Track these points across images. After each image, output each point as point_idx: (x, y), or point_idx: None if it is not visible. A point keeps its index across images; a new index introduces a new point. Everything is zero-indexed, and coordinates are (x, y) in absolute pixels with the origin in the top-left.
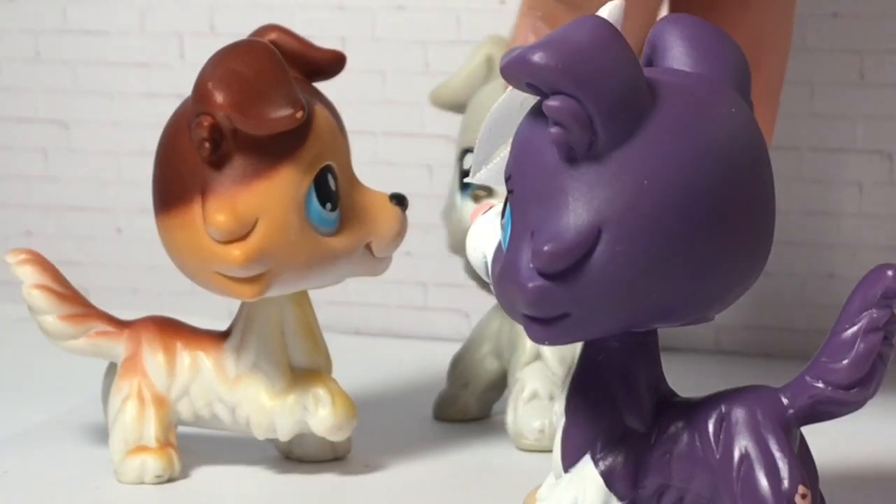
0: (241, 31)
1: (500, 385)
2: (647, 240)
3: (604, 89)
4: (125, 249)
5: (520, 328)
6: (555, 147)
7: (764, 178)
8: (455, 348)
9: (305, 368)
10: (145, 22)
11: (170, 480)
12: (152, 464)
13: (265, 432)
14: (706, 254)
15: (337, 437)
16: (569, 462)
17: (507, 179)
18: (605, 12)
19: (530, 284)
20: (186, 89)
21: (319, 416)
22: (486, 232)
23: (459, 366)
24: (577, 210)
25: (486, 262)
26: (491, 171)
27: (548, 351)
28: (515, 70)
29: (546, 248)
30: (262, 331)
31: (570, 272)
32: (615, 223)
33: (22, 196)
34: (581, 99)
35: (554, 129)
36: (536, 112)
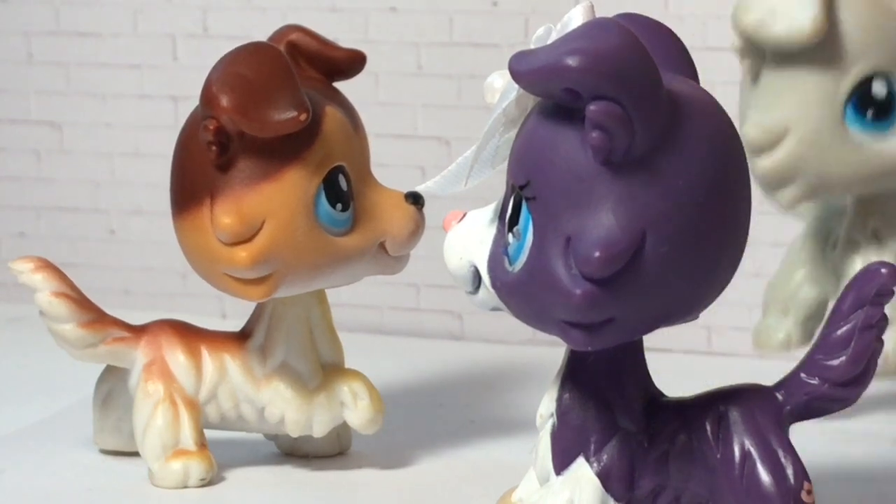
0: (233, 32)
1: (819, 314)
2: (686, 240)
3: (643, 92)
4: (118, 251)
5: (840, 256)
6: (590, 151)
7: (747, 172)
8: (448, 348)
9: (331, 364)
10: (138, 23)
11: (209, 483)
12: (196, 467)
13: (301, 429)
14: (725, 250)
15: (371, 430)
16: (560, 464)
17: (524, 186)
18: (578, 13)
19: (578, 290)
20: (179, 90)
21: (360, 409)
22: (470, 240)
23: (776, 293)
24: (620, 214)
25: (471, 271)
26: (446, 178)
27: None
28: (548, 76)
29: (597, 253)
30: (290, 330)
31: (617, 276)
32: (658, 225)
33: (15, 197)
34: (623, 103)
35: (595, 134)
36: (551, 116)
